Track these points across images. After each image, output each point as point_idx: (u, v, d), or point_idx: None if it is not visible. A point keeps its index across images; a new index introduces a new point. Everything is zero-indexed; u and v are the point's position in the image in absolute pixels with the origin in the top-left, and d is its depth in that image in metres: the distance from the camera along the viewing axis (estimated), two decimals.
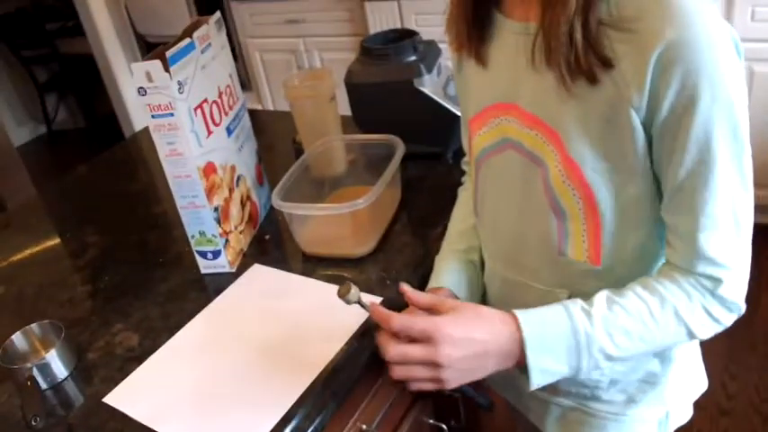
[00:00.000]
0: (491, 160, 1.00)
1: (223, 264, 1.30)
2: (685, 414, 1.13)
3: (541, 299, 0.97)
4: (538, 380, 0.86)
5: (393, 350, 0.88)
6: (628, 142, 0.83)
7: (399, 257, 1.28)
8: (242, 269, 1.33)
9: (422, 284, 1.14)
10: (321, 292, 1.22)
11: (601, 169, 0.85)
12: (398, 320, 0.88)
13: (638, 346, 0.87)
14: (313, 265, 1.30)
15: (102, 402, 1.06)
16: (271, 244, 1.41)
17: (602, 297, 0.88)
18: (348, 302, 0.95)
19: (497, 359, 0.87)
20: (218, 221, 1.26)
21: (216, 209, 1.25)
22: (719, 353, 2.40)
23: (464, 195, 1.24)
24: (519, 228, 0.99)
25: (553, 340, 0.85)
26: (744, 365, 2.38)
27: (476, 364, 0.87)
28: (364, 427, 1.13)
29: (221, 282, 1.30)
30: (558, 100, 0.85)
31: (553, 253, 0.95)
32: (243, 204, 1.37)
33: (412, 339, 0.87)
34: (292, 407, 0.98)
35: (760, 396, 2.27)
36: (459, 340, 0.85)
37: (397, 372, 0.89)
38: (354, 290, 0.95)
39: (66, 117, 5.81)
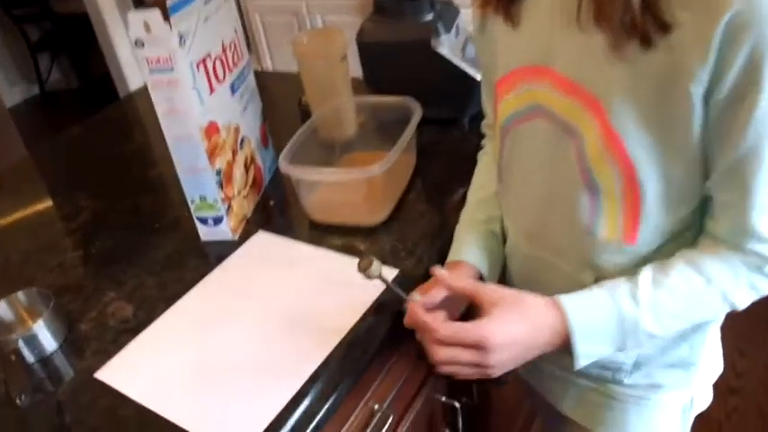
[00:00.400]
0: (518, 128, 0.92)
1: (225, 231, 1.22)
2: (707, 398, 1.08)
3: (565, 280, 0.91)
4: (582, 363, 0.83)
5: (443, 355, 0.84)
6: (682, 116, 0.75)
7: (414, 227, 1.19)
8: (245, 237, 1.24)
9: (440, 257, 1.07)
10: (331, 263, 1.14)
11: (647, 144, 0.78)
12: (446, 330, 0.84)
13: (682, 325, 0.86)
14: (321, 234, 1.21)
15: (94, 378, 0.98)
16: (275, 210, 1.32)
17: (647, 278, 0.82)
18: (369, 277, 0.88)
19: (544, 348, 0.85)
20: (221, 186, 1.17)
21: (218, 172, 1.16)
22: (729, 330, 2.33)
23: (484, 161, 1.16)
24: (545, 202, 0.92)
25: (600, 329, 0.82)
26: (753, 343, 2.32)
27: (523, 357, 0.85)
28: (376, 406, 1.06)
29: (223, 250, 1.21)
30: (604, 63, 0.76)
31: (581, 231, 0.88)
32: (247, 168, 1.28)
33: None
34: (303, 386, 0.91)
35: None
36: (508, 345, 0.83)
37: (445, 370, 0.86)
38: (377, 264, 0.88)
39: (60, 77, 5.67)
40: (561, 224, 0.91)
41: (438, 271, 0.91)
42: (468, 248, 1.03)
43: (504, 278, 1.08)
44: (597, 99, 0.78)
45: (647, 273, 0.82)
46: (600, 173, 0.82)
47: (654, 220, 0.84)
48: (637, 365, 0.97)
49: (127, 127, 1.92)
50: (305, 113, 1.47)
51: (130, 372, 0.98)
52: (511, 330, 0.82)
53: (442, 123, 1.46)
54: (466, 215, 1.11)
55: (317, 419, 0.88)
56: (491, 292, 0.86)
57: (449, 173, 1.33)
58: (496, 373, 0.84)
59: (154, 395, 0.93)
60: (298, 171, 1.15)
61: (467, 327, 0.83)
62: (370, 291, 1.03)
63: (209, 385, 0.94)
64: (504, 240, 1.08)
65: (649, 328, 0.81)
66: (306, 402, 0.89)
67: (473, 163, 1.18)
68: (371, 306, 1.02)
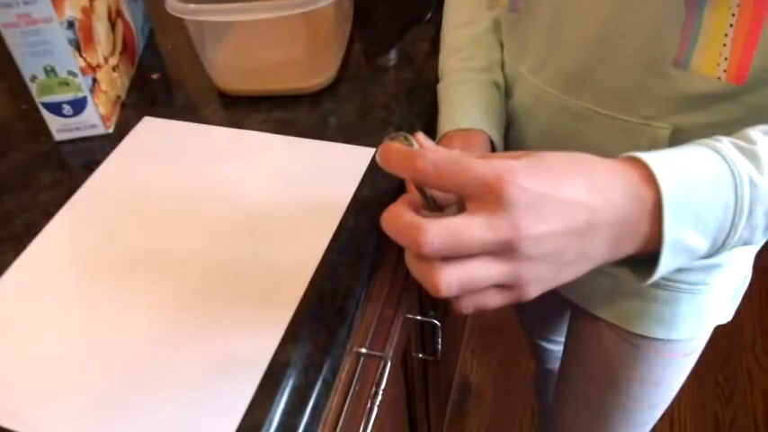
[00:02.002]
0: None
1: (92, 121, 0.80)
2: (748, 278, 0.85)
3: (626, 139, 0.63)
4: (667, 265, 0.46)
5: (451, 277, 0.42)
6: None
7: (377, 88, 0.83)
8: (124, 128, 0.83)
9: (426, 126, 0.75)
10: (267, 152, 0.76)
11: None
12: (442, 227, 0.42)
13: None
14: (241, 111, 0.83)
15: None
16: (161, 85, 0.90)
17: (758, 132, 0.49)
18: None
19: (610, 239, 0.44)
20: (78, 47, 0.75)
21: (70, 24, 0.73)
22: None
23: None
24: (607, 23, 0.61)
25: (704, 200, 0.45)
26: None
27: (575, 249, 0.44)
28: (364, 350, 0.73)
29: (93, 151, 0.80)
30: None
31: (663, 63, 0.60)
32: (112, 23, 0.84)
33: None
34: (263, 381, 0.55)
35: None
36: (543, 203, 0.42)
37: (465, 305, 0.45)
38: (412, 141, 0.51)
39: None
40: (633, 55, 0.61)
41: (419, 134, 0.53)
42: (471, 110, 0.73)
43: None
44: None
45: (757, 129, 0.49)
46: None
47: None
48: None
49: None
50: None
51: None
52: (551, 177, 0.43)
53: None
54: (453, 62, 0.78)
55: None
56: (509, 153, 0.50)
57: (402, 5, 0.97)
58: (532, 292, 0.45)
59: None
60: (198, 11, 0.73)
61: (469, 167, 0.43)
62: (339, 187, 0.67)
63: (95, 389, 0.55)
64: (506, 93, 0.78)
65: None
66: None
67: None
68: (346, 213, 0.67)
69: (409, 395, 1.06)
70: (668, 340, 0.81)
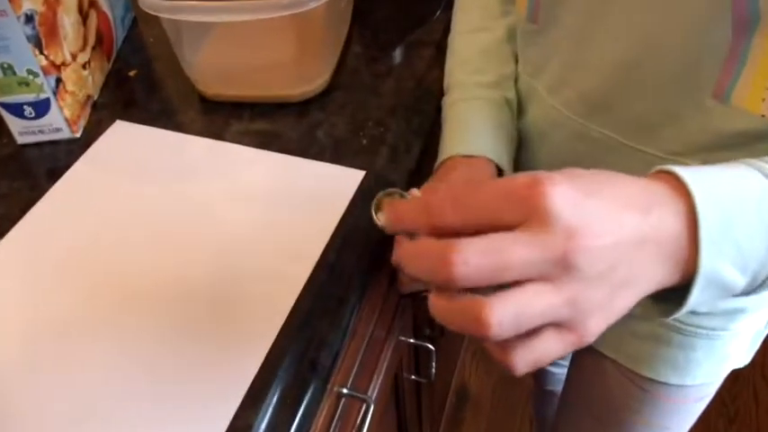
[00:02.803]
0: None
1: (56, 124, 0.73)
2: None
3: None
4: (696, 300, 0.38)
5: (501, 309, 0.33)
6: None
7: (373, 99, 0.75)
8: (93, 132, 0.75)
9: (423, 143, 0.69)
10: (246, 168, 0.68)
11: None
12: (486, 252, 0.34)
13: None
14: (221, 118, 0.75)
15: None
16: (140, 85, 0.82)
17: None
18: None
19: (655, 257, 0.37)
20: (39, 44, 0.67)
21: (29, 18, 0.65)
22: None
23: None
24: (639, 43, 0.54)
25: (747, 230, 0.38)
26: None
27: (625, 269, 0.36)
28: (345, 390, 0.66)
29: (58, 157, 0.73)
30: None
31: (700, 93, 0.53)
32: (84, 14, 0.77)
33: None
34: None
35: None
36: (606, 230, 0.35)
37: (521, 360, 0.36)
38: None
39: None
40: (663, 82, 0.54)
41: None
42: (477, 133, 0.65)
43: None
44: None
45: None
46: None
47: None
48: None
49: None
50: None
51: None
52: (594, 191, 0.36)
53: None
54: (460, 75, 0.71)
55: None
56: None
57: (406, 5, 0.89)
58: (593, 328, 0.36)
59: None
60: (174, 8, 0.65)
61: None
62: (325, 204, 0.61)
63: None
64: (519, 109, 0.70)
65: None
66: None
67: None
68: (334, 235, 0.60)
69: (400, 415, 1.00)
70: (680, 386, 0.75)
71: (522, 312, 0.33)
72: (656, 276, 0.37)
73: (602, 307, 0.35)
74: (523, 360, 0.35)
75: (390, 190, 0.50)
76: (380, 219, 0.50)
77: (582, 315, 0.35)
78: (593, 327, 0.36)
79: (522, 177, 0.34)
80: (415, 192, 0.47)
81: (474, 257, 0.32)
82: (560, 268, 0.33)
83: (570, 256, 0.33)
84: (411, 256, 0.35)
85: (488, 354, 0.35)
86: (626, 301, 0.37)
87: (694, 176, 0.38)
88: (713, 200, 0.37)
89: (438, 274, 0.33)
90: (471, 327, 0.33)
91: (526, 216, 0.33)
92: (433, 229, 0.35)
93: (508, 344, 0.35)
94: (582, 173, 0.36)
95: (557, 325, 0.35)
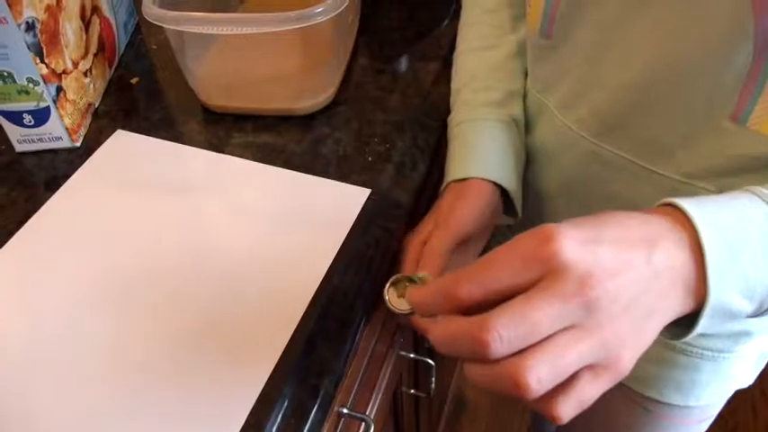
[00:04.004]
0: None
1: (56, 133, 0.71)
2: None
3: (661, 197, 0.52)
4: (704, 327, 0.40)
5: (538, 365, 0.35)
6: None
7: (379, 114, 0.74)
8: (94, 141, 0.74)
9: (432, 160, 0.67)
10: (250, 182, 0.67)
11: None
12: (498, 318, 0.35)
13: None
14: (223, 130, 0.74)
15: None
16: (142, 93, 0.81)
17: None
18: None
19: (673, 287, 0.38)
20: (40, 52, 0.66)
21: (30, 26, 0.64)
22: None
23: (488, 1, 0.72)
24: (656, 62, 0.53)
25: (753, 262, 0.39)
26: None
27: (647, 298, 0.37)
28: (345, 410, 0.65)
29: (57, 166, 0.72)
30: None
31: (717, 115, 0.51)
32: (86, 22, 0.75)
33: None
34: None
35: None
36: (617, 267, 0.36)
37: (565, 408, 0.36)
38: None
39: None
40: (679, 103, 0.53)
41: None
42: (479, 154, 0.64)
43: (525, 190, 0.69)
44: None
45: None
46: None
47: None
48: None
49: None
50: None
51: None
52: (604, 231, 0.38)
53: None
54: (466, 93, 0.69)
55: None
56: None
57: (413, 14, 0.86)
58: (626, 361, 0.37)
59: None
60: (179, 19, 0.64)
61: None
62: (325, 245, 0.59)
63: None
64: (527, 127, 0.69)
65: None
66: None
67: None
68: (329, 276, 0.58)
69: (398, 430, 0.99)
70: (685, 407, 0.73)
71: (558, 365, 0.34)
72: (676, 305, 0.38)
73: (632, 340, 0.37)
74: (566, 408, 0.36)
75: (397, 277, 0.52)
76: (394, 304, 0.51)
77: (614, 352, 0.36)
78: (627, 361, 0.37)
79: (530, 238, 0.36)
80: (424, 275, 0.48)
81: (504, 332, 0.34)
82: (585, 314, 0.35)
83: (591, 300, 0.34)
84: (445, 342, 0.37)
85: (530, 407, 0.37)
86: (653, 330, 0.38)
87: (697, 208, 0.39)
88: (717, 231, 0.38)
89: (476, 355, 0.35)
90: (511, 391, 0.34)
91: (542, 274, 0.35)
92: (457, 310, 0.37)
93: (549, 396, 0.36)
94: (584, 218, 0.38)
95: (591, 366, 0.36)
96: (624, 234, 0.37)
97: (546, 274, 0.35)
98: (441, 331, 0.37)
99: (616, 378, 0.37)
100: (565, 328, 0.35)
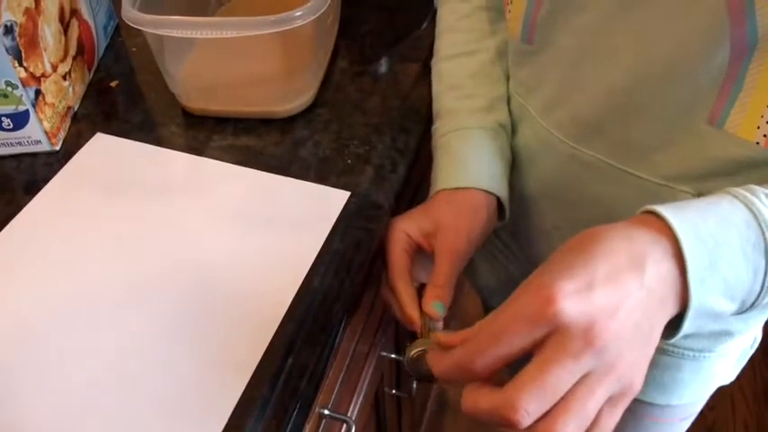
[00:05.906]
0: None
1: (36, 137, 0.71)
2: (758, 340, 0.78)
3: (639, 199, 0.53)
4: (689, 328, 0.43)
5: (566, 425, 0.38)
6: None
7: (358, 117, 0.74)
8: (73, 145, 0.74)
9: (415, 164, 0.67)
10: (230, 186, 0.67)
11: None
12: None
13: None
14: (203, 133, 0.74)
15: None
16: (122, 96, 0.81)
17: None
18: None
19: (662, 300, 0.41)
20: (18, 55, 0.66)
21: (8, 29, 0.64)
22: None
23: (462, 7, 0.72)
24: (635, 67, 0.54)
25: (734, 266, 0.41)
26: None
27: (646, 322, 0.40)
28: (326, 411, 0.65)
29: (36, 170, 0.71)
30: None
31: (694, 118, 0.52)
32: (65, 24, 0.75)
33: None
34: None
35: None
36: (612, 302, 0.39)
37: None
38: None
39: None
40: (657, 107, 0.54)
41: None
42: (470, 164, 0.64)
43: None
44: None
45: None
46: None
47: None
48: None
49: None
50: None
51: None
52: (587, 266, 0.40)
53: None
54: (449, 101, 0.69)
55: None
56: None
57: (392, 17, 0.87)
58: (638, 382, 0.41)
59: None
60: (158, 23, 0.64)
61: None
62: (304, 247, 0.60)
63: None
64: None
65: None
66: None
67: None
68: (308, 279, 0.59)
69: (380, 430, 0.99)
70: (666, 405, 0.74)
71: (582, 417, 0.37)
72: (667, 313, 0.41)
73: (640, 361, 0.40)
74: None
75: (416, 343, 0.53)
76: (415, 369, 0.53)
77: (628, 380, 0.39)
78: (639, 381, 0.40)
79: (530, 302, 0.38)
80: (438, 335, 0.49)
81: (530, 406, 0.37)
82: (596, 360, 0.37)
83: (599, 348, 0.37)
84: (475, 414, 0.40)
85: None
86: (655, 340, 0.41)
87: (678, 217, 0.41)
88: (698, 239, 0.40)
89: (506, 428, 0.38)
90: None
91: (548, 332, 0.37)
92: (478, 380, 0.41)
93: None
94: (570, 259, 0.40)
95: (609, 398, 0.38)
96: (613, 262, 0.39)
97: (552, 333, 0.37)
98: (470, 405, 0.40)
99: (631, 398, 0.40)
100: (581, 378, 0.37)
